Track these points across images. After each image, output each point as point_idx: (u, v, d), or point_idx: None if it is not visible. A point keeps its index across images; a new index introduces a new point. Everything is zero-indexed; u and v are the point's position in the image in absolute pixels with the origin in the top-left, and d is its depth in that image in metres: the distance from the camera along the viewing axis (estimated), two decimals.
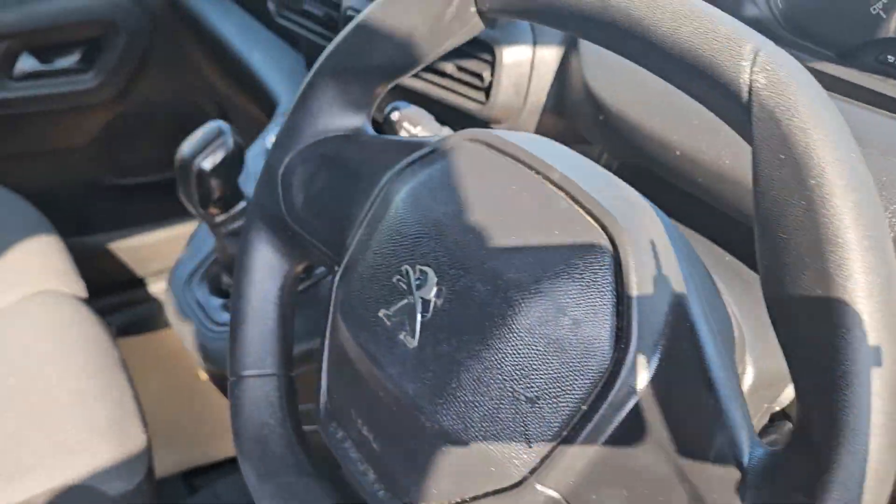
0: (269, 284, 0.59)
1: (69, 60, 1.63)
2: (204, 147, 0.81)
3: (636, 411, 0.37)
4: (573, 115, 0.74)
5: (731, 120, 0.35)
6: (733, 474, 0.34)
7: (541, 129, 0.81)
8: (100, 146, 1.77)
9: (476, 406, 0.40)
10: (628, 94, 0.64)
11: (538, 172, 0.44)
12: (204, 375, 1.10)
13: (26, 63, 1.58)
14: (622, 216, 0.41)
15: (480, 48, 0.77)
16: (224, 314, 0.94)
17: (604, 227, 0.40)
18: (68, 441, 0.95)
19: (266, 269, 0.59)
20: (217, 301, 0.96)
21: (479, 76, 0.78)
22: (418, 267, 0.43)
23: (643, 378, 0.37)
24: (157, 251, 1.93)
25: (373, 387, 0.45)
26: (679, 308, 0.38)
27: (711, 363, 0.36)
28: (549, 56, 0.76)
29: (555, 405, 0.38)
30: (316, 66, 0.56)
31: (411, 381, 0.42)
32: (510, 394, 0.39)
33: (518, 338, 0.39)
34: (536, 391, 0.39)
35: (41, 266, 1.26)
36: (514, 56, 0.76)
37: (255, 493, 0.56)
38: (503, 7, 0.46)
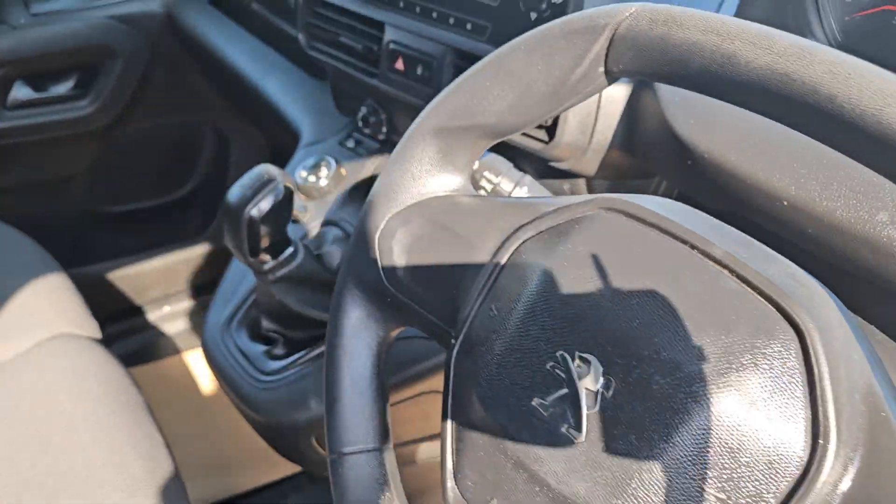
0: (365, 354, 0.56)
1: (64, 87, 1.57)
2: (254, 193, 0.78)
3: None
4: (649, 159, 0.71)
5: None
6: None
7: (604, 166, 0.79)
8: (95, 174, 1.71)
9: None
10: (720, 138, 0.62)
11: (694, 247, 0.41)
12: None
13: (20, 92, 1.52)
14: (798, 296, 0.38)
15: None
16: (270, 362, 0.91)
17: (781, 310, 0.38)
18: (107, 502, 0.91)
19: (362, 338, 0.56)
20: (259, 347, 0.93)
21: None
22: (578, 354, 0.40)
23: (847, 476, 0.35)
24: (157, 278, 1.88)
25: (527, 480, 0.42)
26: (872, 396, 0.36)
27: None
28: (617, 94, 0.74)
29: None
30: (417, 123, 0.53)
31: (582, 480, 0.39)
32: (698, 494, 0.37)
33: (706, 434, 0.37)
34: (728, 492, 0.36)
35: (52, 308, 1.21)
36: None
37: None
38: (641, 69, 0.44)
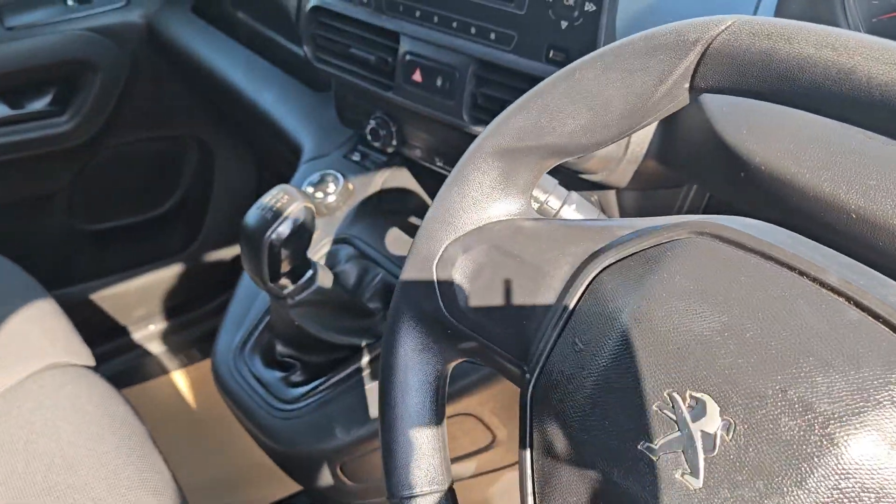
0: (423, 390, 0.52)
1: (41, 103, 1.51)
2: (274, 217, 0.74)
3: None
4: (692, 170, 0.69)
5: None
6: None
7: (636, 177, 0.76)
8: (76, 191, 1.65)
9: None
10: (777, 147, 0.60)
11: (804, 274, 0.39)
12: None
13: None
14: None
15: None
16: (288, 389, 0.87)
17: None
18: None
19: (419, 371, 0.53)
20: (276, 374, 0.89)
21: None
22: (689, 393, 0.38)
23: None
24: (141, 297, 1.82)
25: None
26: None
27: None
28: None
29: None
30: (477, 143, 0.50)
31: None
32: None
33: (845, 479, 0.34)
34: None
35: (44, 337, 1.15)
36: None
37: None
38: (734, 85, 0.41)
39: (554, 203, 0.63)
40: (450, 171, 0.53)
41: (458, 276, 0.51)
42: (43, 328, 1.16)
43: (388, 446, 0.52)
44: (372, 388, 0.85)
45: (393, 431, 0.52)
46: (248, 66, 1.29)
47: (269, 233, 0.74)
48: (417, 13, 0.83)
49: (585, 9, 0.70)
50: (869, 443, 0.34)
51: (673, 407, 0.38)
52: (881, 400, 0.34)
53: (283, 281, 0.78)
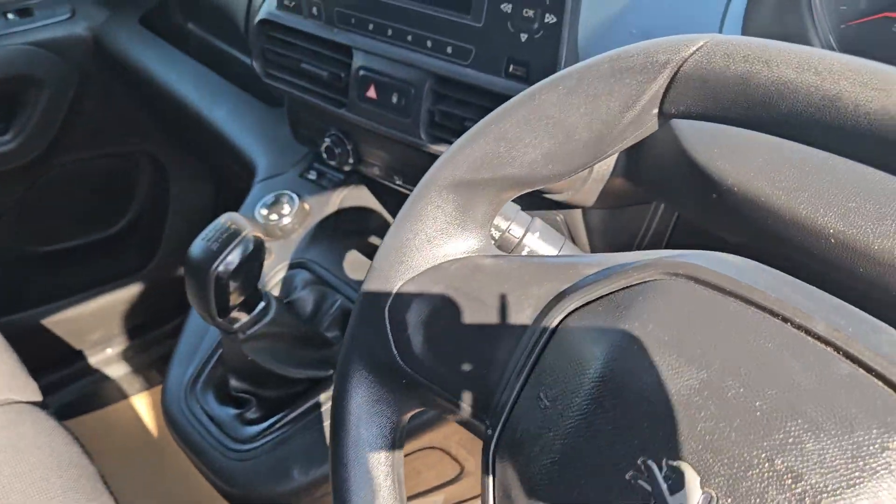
0: (377, 444, 0.48)
1: None
2: (220, 247, 0.69)
3: None
4: (660, 189, 0.66)
5: None
6: None
7: (603, 195, 0.73)
8: (23, 212, 1.58)
9: None
10: (750, 167, 0.56)
11: (787, 321, 0.35)
12: None
13: None
14: None
15: None
16: (243, 428, 0.82)
17: None
18: None
19: (373, 425, 0.48)
20: (230, 411, 0.83)
21: None
22: (666, 462, 0.34)
23: None
24: (96, 320, 1.75)
25: None
26: None
27: None
28: None
29: None
30: (430, 176, 0.46)
31: None
32: None
33: None
34: None
35: None
36: None
37: None
38: (706, 111, 0.37)
39: (516, 231, 0.59)
40: (410, 190, 0.49)
41: (413, 320, 0.46)
42: None
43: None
44: None
45: (346, 493, 0.47)
46: (198, 80, 1.23)
47: (215, 266, 0.69)
48: (370, 26, 0.78)
49: (545, 20, 0.66)
50: None
51: (648, 477, 0.34)
52: (877, 468, 0.31)
53: (234, 314, 0.74)
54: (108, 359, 1.81)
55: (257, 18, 0.88)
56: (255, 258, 0.71)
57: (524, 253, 0.59)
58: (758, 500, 0.31)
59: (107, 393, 1.78)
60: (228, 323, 0.74)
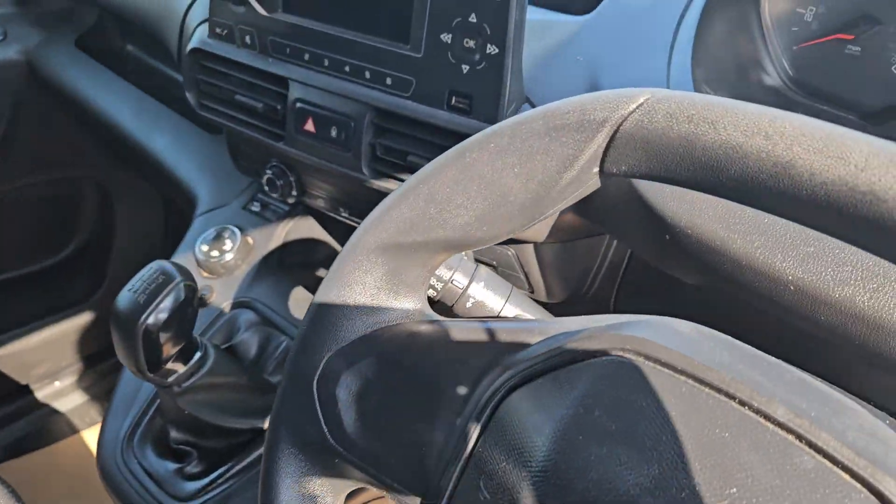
0: None
1: None
2: (149, 298, 0.64)
3: None
4: (613, 228, 0.62)
5: None
6: None
7: (554, 230, 0.69)
8: None
9: None
10: (703, 209, 0.53)
11: (745, 404, 0.32)
12: None
13: None
14: (889, 465, 0.30)
15: None
16: (184, 483, 0.77)
17: (871, 488, 0.29)
18: None
19: None
20: (170, 466, 0.79)
21: None
22: None
23: None
24: (43, 353, 1.68)
25: None
26: None
27: None
28: None
29: None
30: (356, 239, 0.42)
31: None
32: None
33: None
34: None
35: None
36: None
37: None
38: (650, 172, 0.34)
39: (460, 281, 0.55)
40: (358, 223, 0.45)
41: (344, 395, 0.42)
42: None
43: None
44: None
45: None
46: (136, 106, 1.18)
47: (143, 318, 0.64)
48: (306, 56, 0.74)
49: (487, 51, 0.63)
50: None
51: None
52: None
53: (169, 365, 0.69)
54: (57, 392, 1.74)
55: (188, 47, 0.83)
56: (187, 308, 0.67)
57: (469, 304, 0.56)
58: None
59: (55, 428, 1.71)
60: (162, 377, 0.69)
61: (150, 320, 0.64)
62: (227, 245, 0.92)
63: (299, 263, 0.96)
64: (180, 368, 0.70)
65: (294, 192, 0.88)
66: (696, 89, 0.65)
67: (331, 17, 0.72)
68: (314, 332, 0.43)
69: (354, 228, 0.44)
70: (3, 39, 1.40)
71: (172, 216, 1.66)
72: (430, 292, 0.56)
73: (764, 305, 0.52)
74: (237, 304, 0.89)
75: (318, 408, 0.43)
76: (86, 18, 1.40)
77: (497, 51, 0.63)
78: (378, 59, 0.69)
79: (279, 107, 0.77)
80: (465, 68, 0.64)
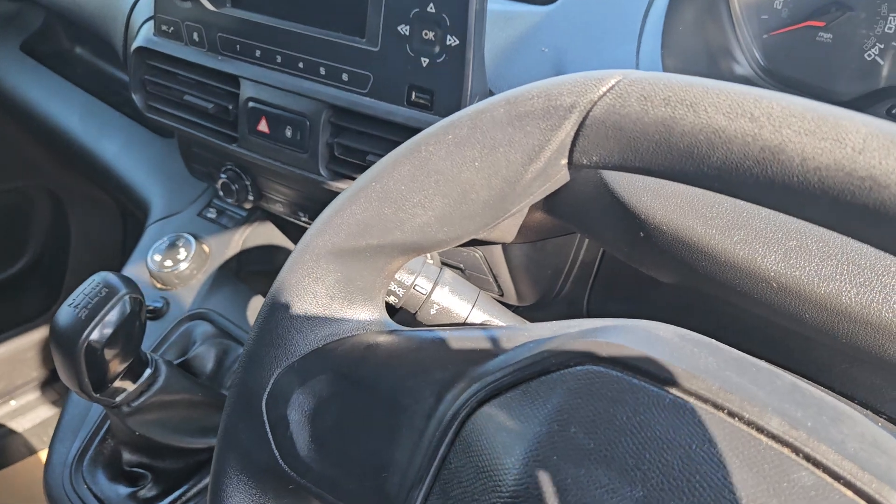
0: None
1: None
2: (91, 314, 0.60)
3: None
4: (584, 226, 0.59)
5: None
6: None
7: (523, 230, 0.66)
8: None
9: None
10: (679, 204, 0.50)
11: (735, 416, 0.29)
12: None
13: None
14: (890, 477, 0.27)
15: None
16: None
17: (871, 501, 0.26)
18: None
19: None
20: (122, 490, 0.74)
21: None
22: None
23: None
24: None
25: None
26: None
27: None
28: None
29: None
30: (304, 244, 0.38)
31: None
32: None
33: None
34: None
35: None
36: None
37: None
38: (623, 162, 0.31)
39: (423, 286, 0.51)
40: None
41: (296, 415, 0.39)
42: None
43: None
44: None
45: None
46: (85, 110, 1.13)
47: (85, 335, 0.59)
48: (258, 53, 0.70)
49: (448, 43, 0.60)
50: None
51: None
52: None
53: (117, 384, 0.64)
54: (13, 412, 1.67)
55: (133, 46, 0.79)
56: (134, 320, 0.62)
57: (433, 311, 0.52)
58: None
59: (13, 449, 1.64)
60: (109, 396, 0.64)
61: (94, 336, 0.60)
62: (182, 254, 0.87)
63: (258, 271, 0.92)
64: (129, 387, 0.66)
65: (250, 197, 0.84)
66: None
67: (282, 11, 0.68)
68: (261, 346, 0.39)
69: None
70: None
71: (130, 225, 1.60)
72: (391, 299, 0.52)
73: (745, 304, 0.49)
74: (193, 316, 0.85)
75: (268, 430, 0.39)
76: (31, 21, 1.34)
77: (457, 42, 0.59)
78: (333, 54, 0.66)
79: (231, 107, 0.73)
80: (425, 61, 0.61)
